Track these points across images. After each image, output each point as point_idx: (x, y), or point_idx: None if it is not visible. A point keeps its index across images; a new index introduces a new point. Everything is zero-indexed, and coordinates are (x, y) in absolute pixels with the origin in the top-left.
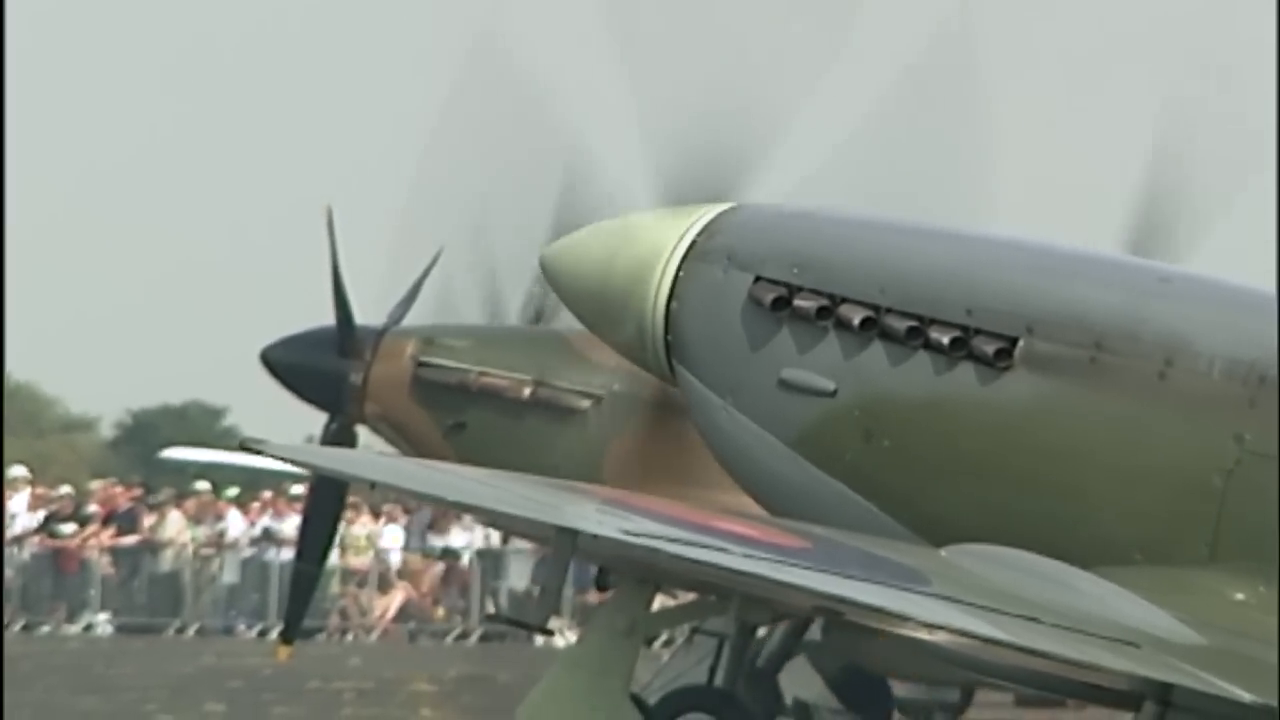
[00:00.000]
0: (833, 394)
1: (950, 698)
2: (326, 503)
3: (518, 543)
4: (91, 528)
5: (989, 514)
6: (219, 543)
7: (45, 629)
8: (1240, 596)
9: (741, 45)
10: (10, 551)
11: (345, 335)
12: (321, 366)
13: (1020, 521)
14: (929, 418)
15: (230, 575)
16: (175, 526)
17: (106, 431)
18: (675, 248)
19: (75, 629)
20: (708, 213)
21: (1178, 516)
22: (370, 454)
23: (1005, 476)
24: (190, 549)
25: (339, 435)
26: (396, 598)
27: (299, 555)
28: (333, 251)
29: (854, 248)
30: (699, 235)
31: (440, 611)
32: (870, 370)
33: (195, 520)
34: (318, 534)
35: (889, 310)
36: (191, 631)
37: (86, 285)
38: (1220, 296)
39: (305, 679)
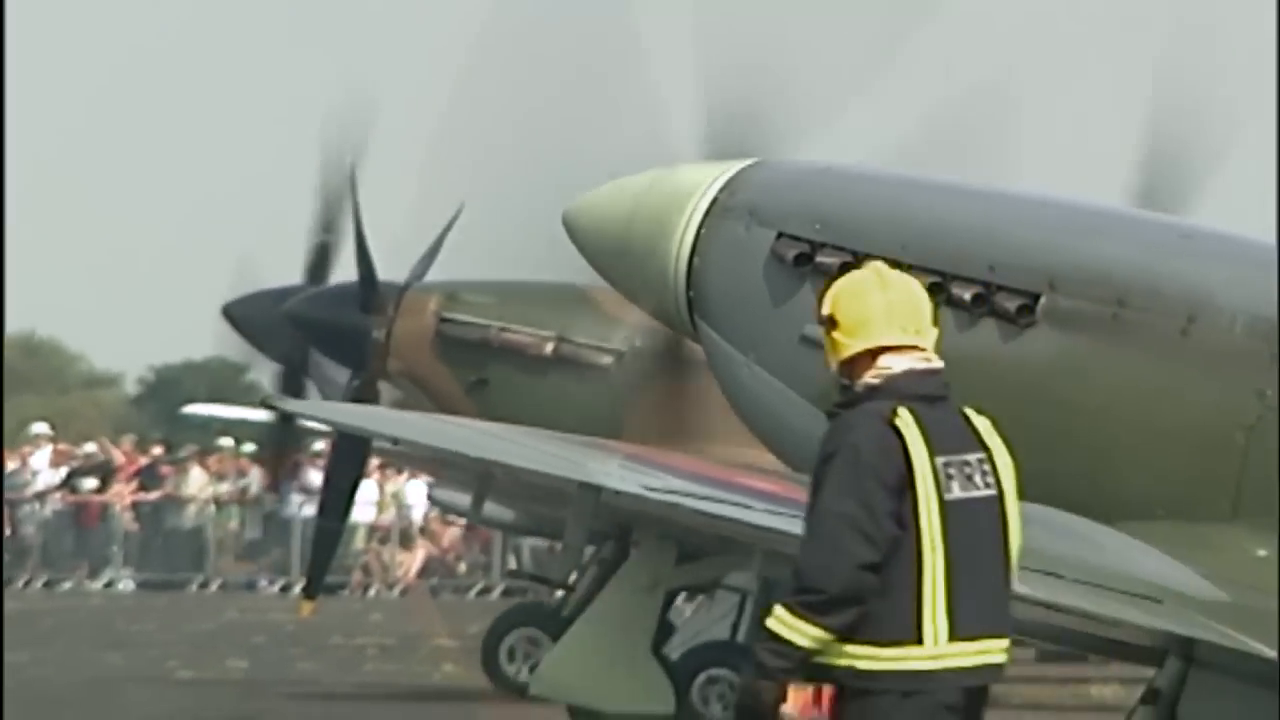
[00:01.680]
0: None
1: None
2: (349, 459)
3: None
4: (116, 487)
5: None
6: (241, 498)
7: (67, 585)
8: (1262, 553)
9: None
10: (32, 508)
11: (368, 291)
12: (345, 322)
13: (1042, 477)
14: (951, 373)
15: (252, 531)
16: (197, 483)
17: (130, 388)
18: (697, 204)
19: (97, 585)
20: (728, 169)
21: (1200, 472)
22: (391, 410)
23: (1027, 432)
24: (212, 505)
25: (362, 391)
26: (419, 554)
27: (321, 511)
28: (355, 208)
29: (876, 204)
30: (721, 192)
31: (463, 567)
32: None
33: (217, 476)
34: (340, 490)
35: (911, 267)
36: (214, 587)
37: (109, 241)
38: (1242, 253)
39: (328, 635)
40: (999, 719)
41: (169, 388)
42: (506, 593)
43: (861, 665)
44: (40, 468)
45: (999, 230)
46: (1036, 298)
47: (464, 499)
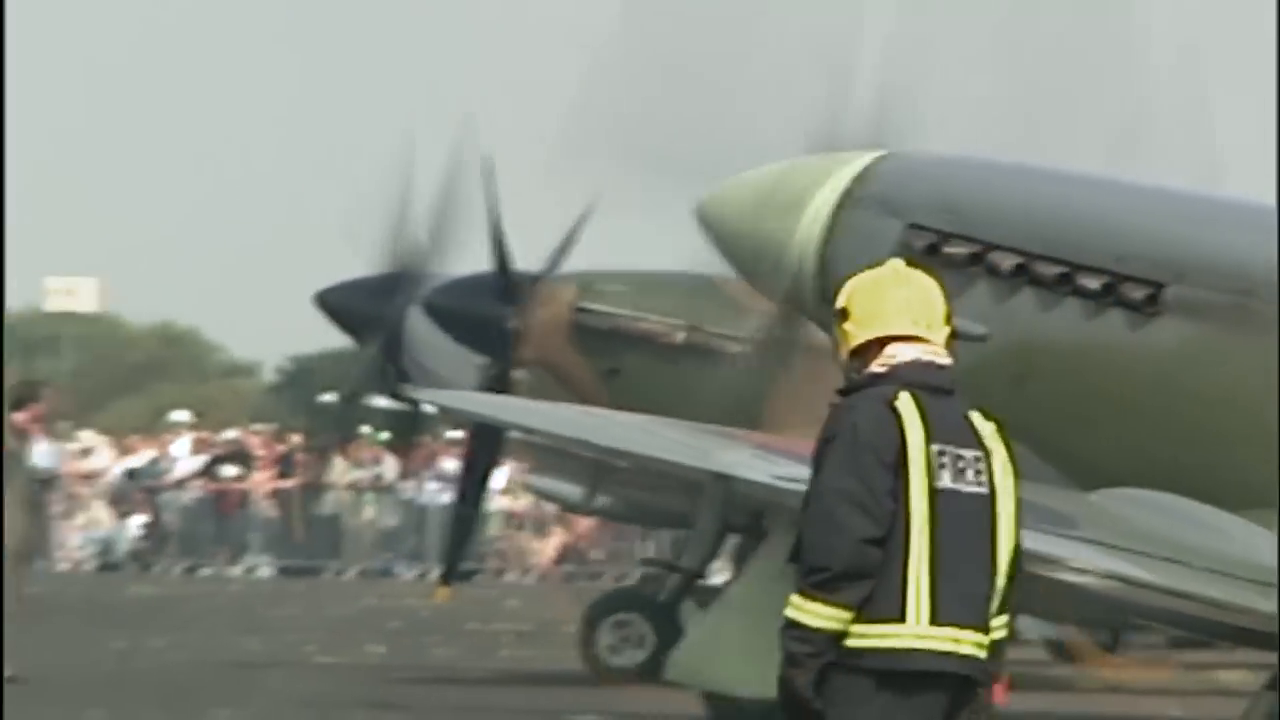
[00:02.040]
0: (984, 338)
1: (1100, 638)
2: (486, 447)
3: None
4: (256, 475)
5: (1136, 458)
6: (377, 485)
7: (207, 571)
8: None
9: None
10: (173, 495)
11: (505, 281)
12: (481, 312)
13: (1167, 465)
14: (1078, 363)
15: (390, 518)
16: (338, 469)
17: (268, 376)
18: (829, 194)
19: (237, 571)
20: (860, 160)
21: None
22: (524, 400)
23: (1153, 421)
24: (349, 492)
25: (498, 381)
26: (554, 540)
27: (459, 499)
28: (491, 199)
29: (1004, 196)
30: (853, 182)
31: (597, 554)
32: (1020, 316)
33: (354, 464)
34: (476, 477)
35: (1039, 257)
36: (351, 573)
37: (249, 233)
38: None
39: (464, 620)
40: (1127, 703)
41: (306, 375)
42: (642, 580)
43: (849, 643)
44: (180, 455)
45: (1126, 221)
46: (1162, 287)
47: (562, 487)
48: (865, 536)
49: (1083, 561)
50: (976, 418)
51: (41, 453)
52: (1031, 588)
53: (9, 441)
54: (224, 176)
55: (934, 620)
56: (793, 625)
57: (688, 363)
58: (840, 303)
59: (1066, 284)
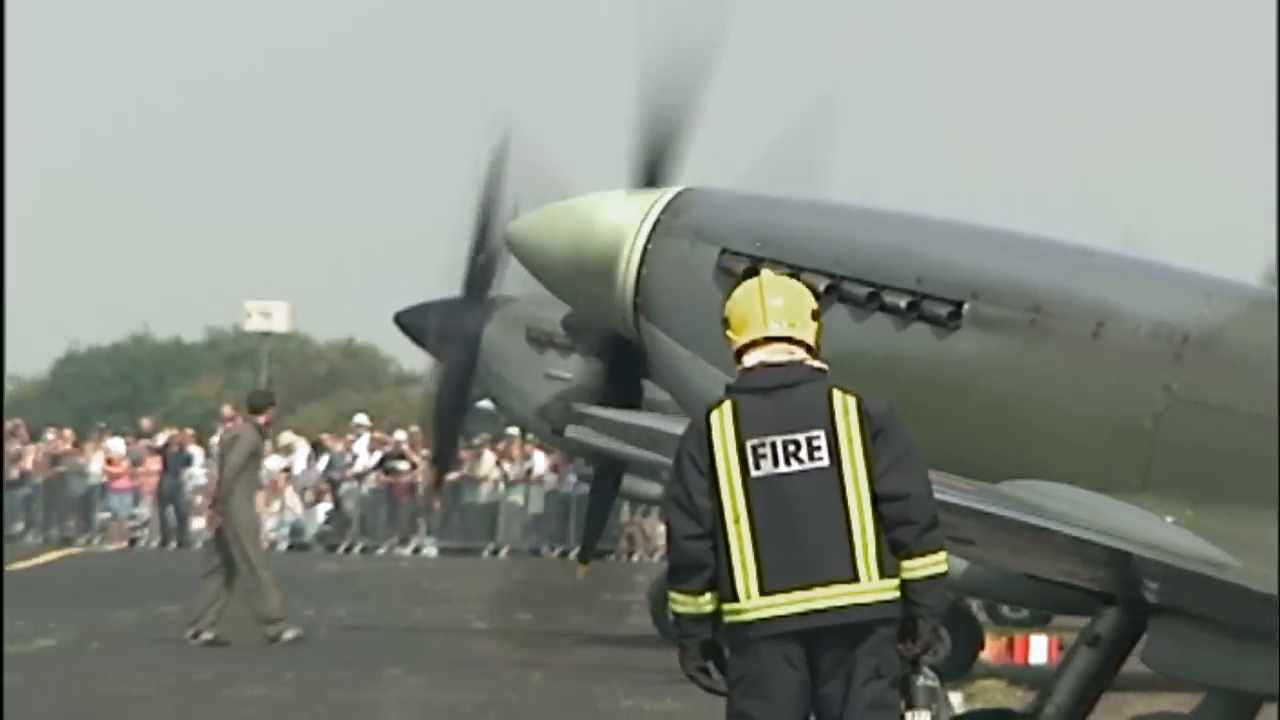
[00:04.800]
0: None
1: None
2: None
3: None
4: (422, 468)
5: (944, 455)
6: (526, 478)
7: (381, 551)
8: (1170, 519)
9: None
10: (352, 485)
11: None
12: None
13: (973, 461)
14: (887, 370)
15: (536, 505)
16: (489, 464)
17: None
18: (642, 225)
19: (406, 551)
20: (664, 194)
21: (1114, 454)
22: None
23: (958, 421)
24: (502, 484)
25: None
26: None
27: (593, 488)
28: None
29: (810, 225)
30: (663, 214)
31: None
32: (831, 329)
33: (506, 459)
34: (609, 471)
35: (846, 279)
36: (504, 553)
37: (417, 256)
38: (1139, 269)
39: (599, 593)
40: None
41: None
42: None
43: (723, 621)
44: (360, 452)
45: (924, 247)
46: (961, 305)
47: (646, 486)
48: (686, 534)
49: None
50: (836, 397)
51: None
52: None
53: (253, 439)
54: (396, 214)
55: (764, 591)
56: (671, 613)
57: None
58: (723, 314)
59: (874, 301)
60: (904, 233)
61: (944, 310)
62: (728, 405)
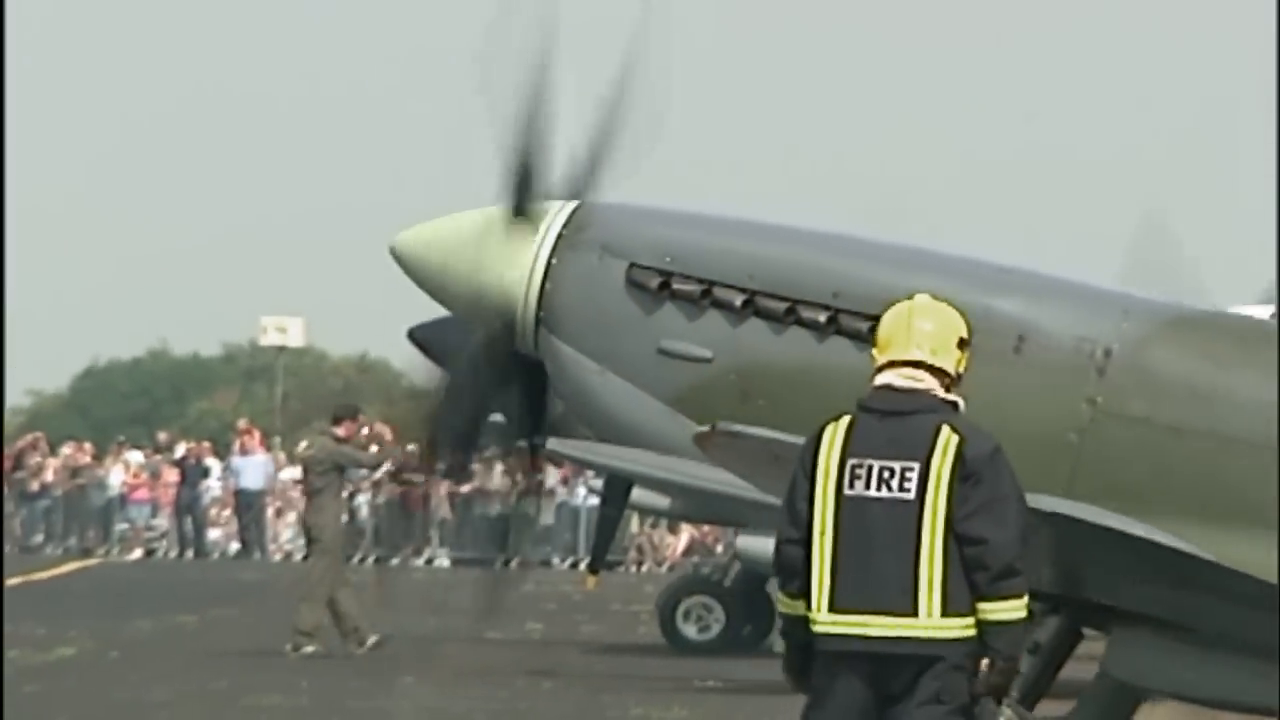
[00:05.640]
0: (708, 360)
1: None
2: None
3: None
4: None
5: None
6: (538, 490)
7: (395, 561)
8: None
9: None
10: (366, 497)
11: None
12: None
13: None
14: (805, 383)
15: (547, 517)
16: (498, 477)
17: None
18: (544, 239)
19: (420, 561)
20: (563, 208)
21: (1039, 467)
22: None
23: None
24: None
25: None
26: (683, 537)
27: (603, 502)
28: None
29: (721, 240)
30: (564, 228)
31: (720, 548)
32: (745, 341)
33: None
34: (619, 484)
35: (761, 293)
36: (514, 564)
37: None
38: (1057, 287)
39: (608, 603)
40: None
41: None
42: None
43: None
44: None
45: (838, 262)
46: (878, 319)
47: (655, 499)
48: (785, 538)
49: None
50: (942, 434)
51: (257, 463)
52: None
53: (332, 450)
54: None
55: (832, 607)
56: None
57: None
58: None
59: (791, 315)
60: (818, 249)
61: (863, 325)
62: (845, 421)
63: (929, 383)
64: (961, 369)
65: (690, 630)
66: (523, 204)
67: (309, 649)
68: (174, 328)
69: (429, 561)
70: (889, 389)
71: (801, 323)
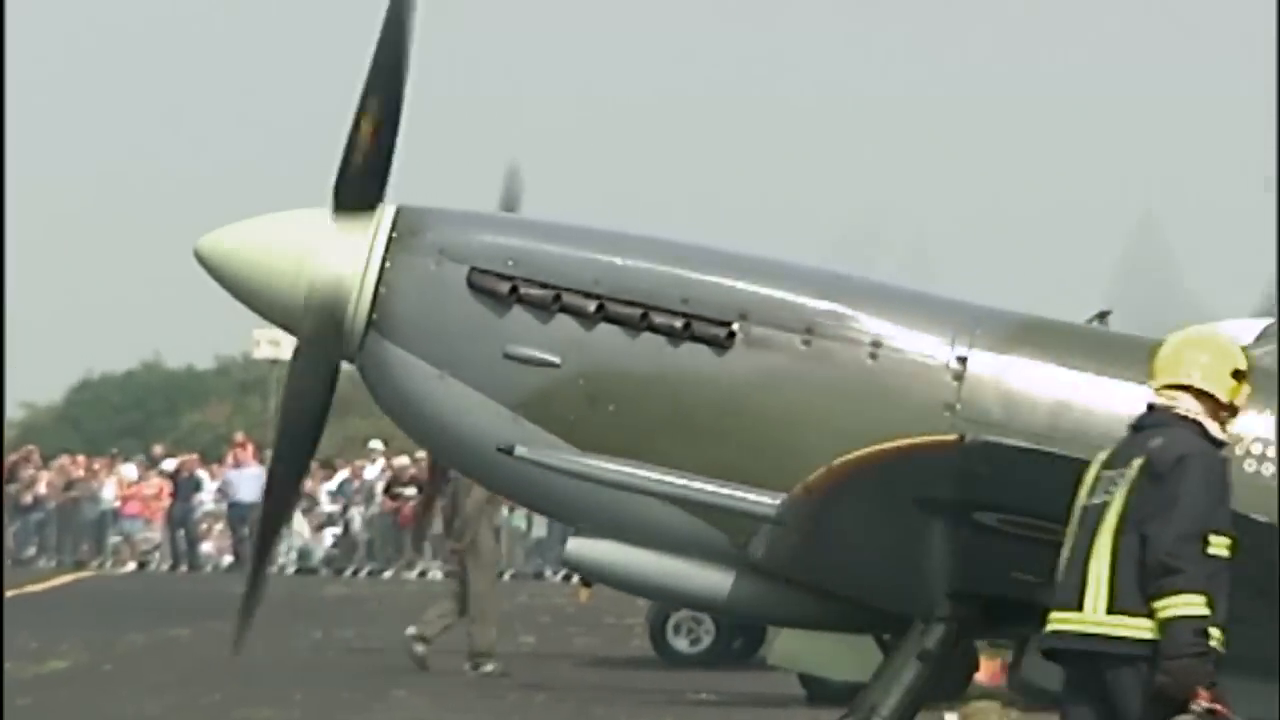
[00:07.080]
0: (556, 365)
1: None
2: None
3: None
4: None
5: (721, 471)
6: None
7: (388, 574)
8: None
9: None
10: (360, 510)
11: None
12: None
13: (752, 478)
14: (657, 388)
15: (539, 529)
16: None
17: None
18: (374, 242)
19: (413, 574)
20: (390, 211)
21: None
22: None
23: (732, 439)
24: (505, 509)
25: None
26: None
27: None
28: None
29: (564, 245)
30: (395, 232)
31: None
32: (593, 347)
33: None
34: None
35: (611, 299)
36: (508, 576)
37: None
38: (909, 297)
39: (602, 615)
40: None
41: None
42: None
43: None
44: (372, 477)
45: (688, 270)
46: (731, 325)
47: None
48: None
49: None
50: (1151, 440)
51: (251, 476)
52: None
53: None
54: None
55: (1050, 606)
56: None
57: None
58: None
59: (644, 321)
60: (666, 256)
61: (717, 331)
62: (1124, 437)
63: (1184, 403)
64: (1237, 400)
65: (681, 643)
66: (352, 202)
67: (489, 668)
68: (168, 341)
69: (422, 574)
70: (1149, 408)
71: (655, 328)
